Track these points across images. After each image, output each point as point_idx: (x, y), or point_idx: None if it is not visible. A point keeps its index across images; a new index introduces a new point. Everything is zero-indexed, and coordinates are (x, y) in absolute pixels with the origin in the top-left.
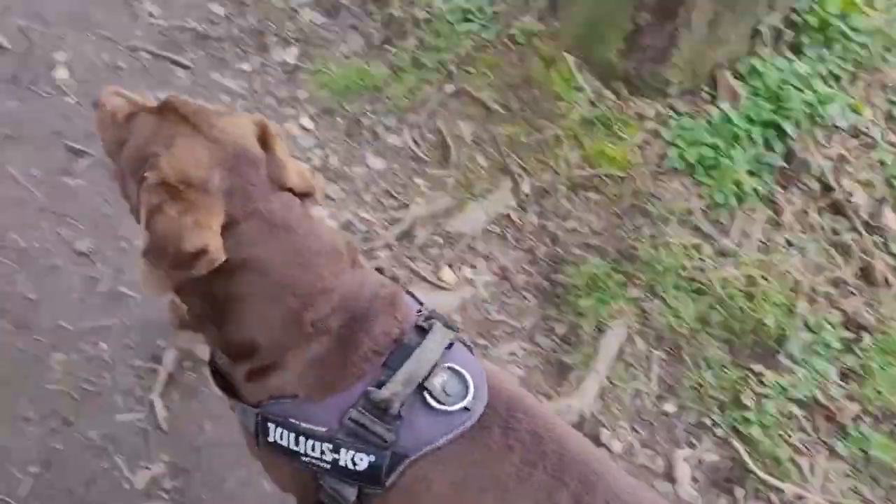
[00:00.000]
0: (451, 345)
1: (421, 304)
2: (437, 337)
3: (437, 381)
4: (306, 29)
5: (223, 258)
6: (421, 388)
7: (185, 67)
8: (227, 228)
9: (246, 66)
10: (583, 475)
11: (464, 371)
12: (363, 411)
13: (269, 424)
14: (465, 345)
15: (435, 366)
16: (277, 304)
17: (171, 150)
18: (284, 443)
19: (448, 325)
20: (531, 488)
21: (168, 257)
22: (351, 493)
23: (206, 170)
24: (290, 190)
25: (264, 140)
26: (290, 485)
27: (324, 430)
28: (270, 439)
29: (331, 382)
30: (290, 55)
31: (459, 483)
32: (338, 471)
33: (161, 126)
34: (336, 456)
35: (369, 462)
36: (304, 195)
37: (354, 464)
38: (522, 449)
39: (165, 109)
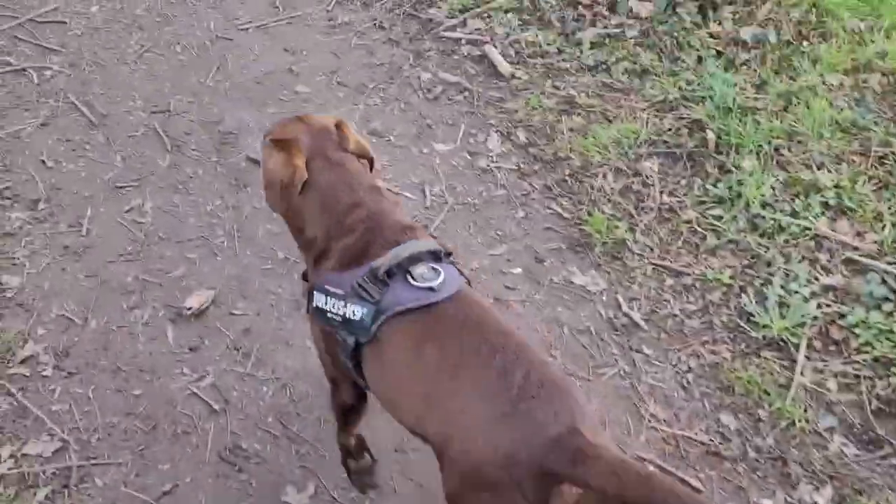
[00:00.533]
0: (441, 259)
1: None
2: (424, 241)
3: (419, 270)
4: (837, 462)
5: (305, 177)
6: (407, 272)
7: (695, 490)
8: (307, 164)
9: (768, 503)
10: (495, 342)
11: (441, 270)
12: (366, 279)
13: (315, 293)
14: (459, 271)
15: (421, 261)
16: (328, 211)
17: (280, 127)
18: (320, 304)
19: (442, 246)
20: (460, 343)
21: (276, 183)
22: (351, 341)
23: (297, 134)
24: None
25: (339, 126)
26: (320, 341)
27: (342, 292)
28: (314, 304)
29: (352, 261)
30: (822, 497)
31: (414, 333)
32: (345, 323)
33: (285, 121)
34: (345, 310)
35: (362, 314)
36: (363, 157)
37: (353, 314)
38: (461, 320)
39: (294, 117)
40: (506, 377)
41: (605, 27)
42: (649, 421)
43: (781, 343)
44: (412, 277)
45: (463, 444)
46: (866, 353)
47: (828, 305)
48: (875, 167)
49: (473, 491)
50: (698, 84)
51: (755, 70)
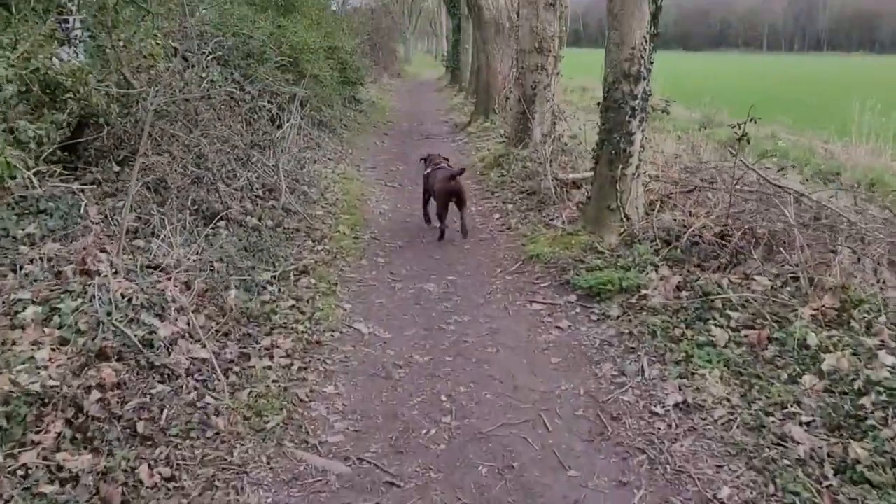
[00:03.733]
0: (448, 166)
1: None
2: (444, 163)
3: (439, 164)
4: None
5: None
6: (437, 166)
7: None
8: (429, 158)
9: None
10: (444, 170)
11: (444, 165)
12: (428, 171)
13: (425, 173)
14: (451, 168)
15: (440, 164)
16: (428, 163)
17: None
18: (425, 173)
19: (447, 161)
20: (437, 174)
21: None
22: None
23: (428, 153)
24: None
25: (441, 156)
26: (425, 186)
27: (428, 170)
28: (424, 174)
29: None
30: None
31: (431, 174)
32: (424, 177)
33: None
34: (425, 172)
35: (425, 171)
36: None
37: (426, 171)
38: (440, 171)
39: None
40: (442, 173)
41: None
42: None
43: None
44: (436, 167)
45: (435, 184)
46: None
47: None
48: None
49: (437, 195)
50: None
51: None
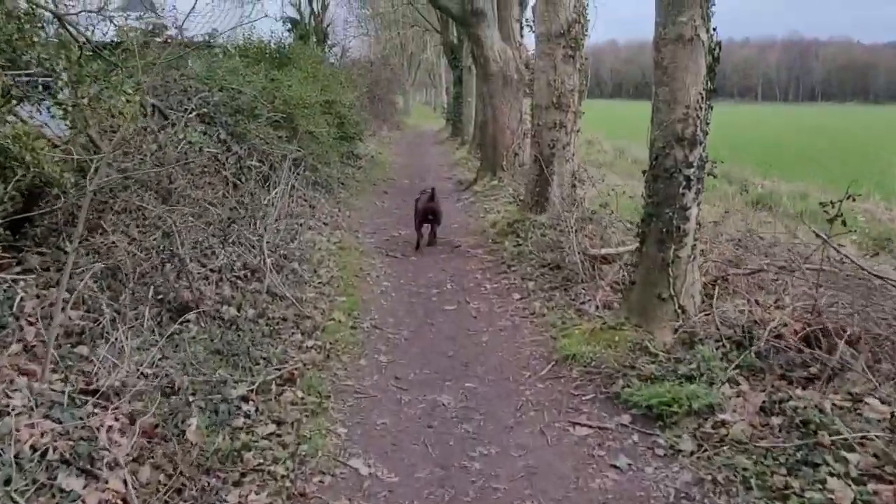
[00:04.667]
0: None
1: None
2: (427, 192)
3: (425, 193)
4: None
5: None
6: (423, 193)
7: None
8: (423, 193)
9: None
10: (425, 195)
11: (430, 193)
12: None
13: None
14: (432, 193)
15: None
16: (418, 194)
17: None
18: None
19: (430, 190)
20: (422, 197)
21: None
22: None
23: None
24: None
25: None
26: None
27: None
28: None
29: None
30: None
31: (419, 200)
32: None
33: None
34: (416, 202)
35: (414, 201)
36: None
37: (416, 202)
38: (424, 196)
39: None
40: (423, 198)
41: None
42: None
43: None
44: (422, 192)
45: (418, 205)
46: None
47: None
48: None
49: (420, 214)
50: None
51: None
